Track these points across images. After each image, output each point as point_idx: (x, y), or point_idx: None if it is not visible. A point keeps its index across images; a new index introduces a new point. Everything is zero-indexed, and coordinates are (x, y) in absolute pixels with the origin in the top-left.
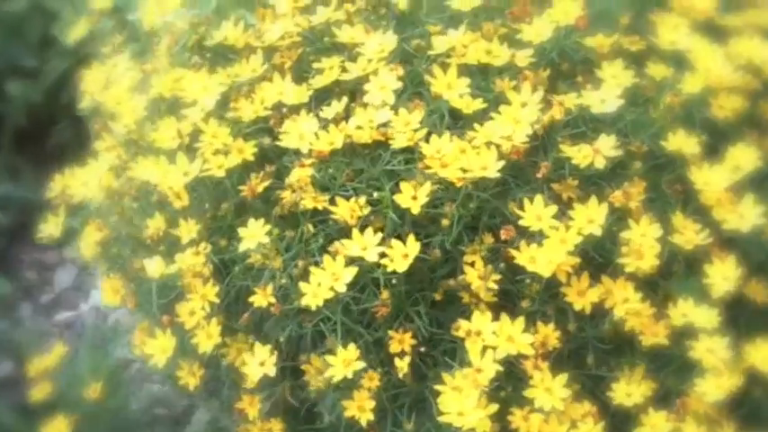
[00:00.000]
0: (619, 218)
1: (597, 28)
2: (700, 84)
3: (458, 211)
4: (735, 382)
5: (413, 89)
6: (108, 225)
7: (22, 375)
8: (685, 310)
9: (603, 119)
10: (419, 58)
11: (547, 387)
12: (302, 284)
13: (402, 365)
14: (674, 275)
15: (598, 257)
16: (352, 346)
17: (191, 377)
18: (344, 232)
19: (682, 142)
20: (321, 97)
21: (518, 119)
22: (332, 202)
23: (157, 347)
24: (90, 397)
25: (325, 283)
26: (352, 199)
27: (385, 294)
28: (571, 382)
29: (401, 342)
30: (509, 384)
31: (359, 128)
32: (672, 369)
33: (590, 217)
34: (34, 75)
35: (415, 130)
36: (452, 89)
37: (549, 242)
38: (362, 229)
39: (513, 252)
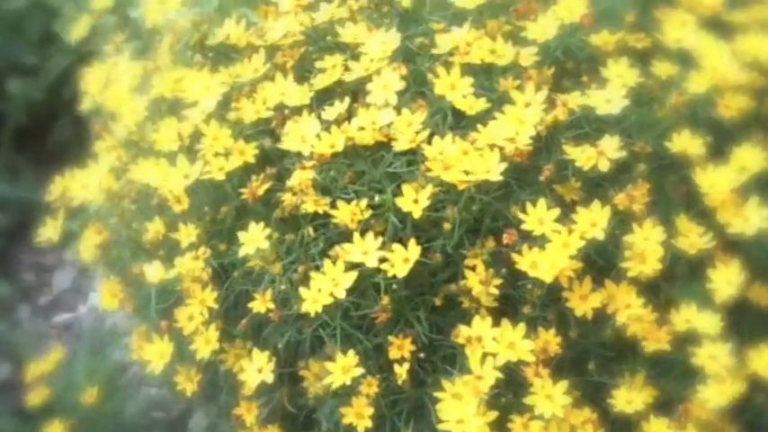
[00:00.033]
0: (621, 220)
1: (602, 25)
2: (706, 83)
3: (459, 215)
4: (737, 389)
5: (416, 88)
6: (107, 228)
7: (19, 378)
8: (688, 316)
9: (607, 119)
10: (422, 56)
11: (547, 394)
12: (302, 290)
13: (401, 372)
14: (677, 279)
15: (600, 261)
16: (351, 353)
17: (188, 383)
18: (345, 236)
19: (686, 143)
20: (323, 97)
21: (522, 119)
22: (333, 205)
23: (155, 353)
24: (87, 402)
25: (325, 288)
26: (353, 202)
27: (385, 300)
28: (572, 389)
29: (400, 348)
30: (509, 391)
31: (361, 129)
32: (674, 375)
33: (593, 220)
34: (35, 72)
35: (418, 132)
36: (455, 89)
37: (552, 246)
38: (363, 233)
39: (515, 257)
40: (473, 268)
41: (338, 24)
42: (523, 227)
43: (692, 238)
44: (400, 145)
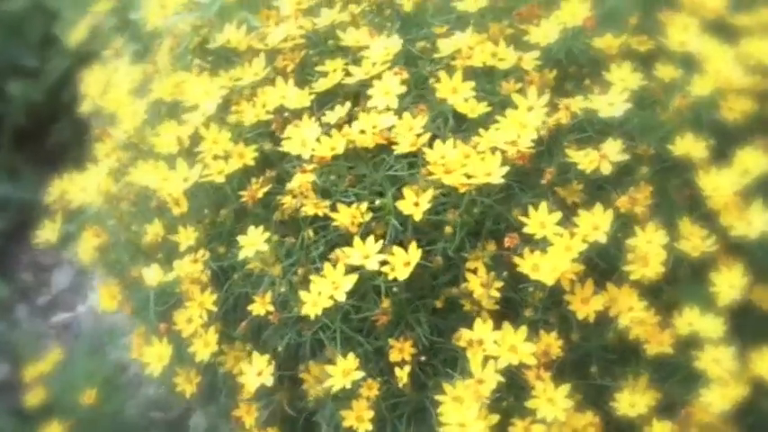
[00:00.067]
0: (624, 223)
1: (605, 29)
2: (709, 86)
3: (461, 218)
4: (740, 393)
5: (417, 92)
6: (106, 230)
7: (18, 378)
8: (691, 319)
9: (610, 122)
10: (424, 60)
11: (549, 397)
12: (302, 293)
13: (402, 375)
14: (680, 282)
15: (602, 264)
16: (351, 356)
17: (187, 384)
18: (346, 238)
19: (689, 146)
20: (324, 101)
21: (524, 123)
22: (333, 208)
23: (154, 355)
24: (86, 402)
25: (325, 291)
26: (354, 205)
27: (386, 303)
28: (574, 392)
29: (401, 351)
30: (510, 394)
31: (362, 132)
32: (677, 379)
33: (595, 224)
34: (35, 74)
35: (419, 135)
36: (457, 93)
37: (554, 249)
38: (364, 237)
39: (517, 260)
40: (474, 271)
41: (339, 28)
42: (525, 230)
43: (695, 241)
44: (401, 148)
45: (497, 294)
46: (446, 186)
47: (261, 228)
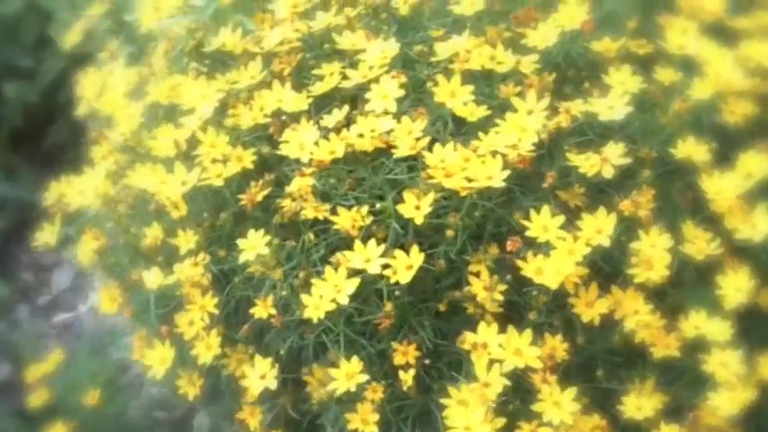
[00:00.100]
0: (627, 226)
1: (603, 32)
2: (709, 89)
3: (462, 221)
4: (748, 396)
5: (415, 95)
6: (105, 233)
7: (20, 379)
8: (697, 323)
9: (611, 125)
10: (421, 63)
11: (555, 401)
12: (304, 297)
13: (406, 378)
14: (685, 285)
15: (606, 267)
16: (355, 359)
17: (190, 387)
18: (347, 242)
19: (691, 149)
20: (321, 104)
21: (524, 127)
22: (333, 211)
23: (156, 358)
24: (88, 403)
25: (327, 295)
26: (354, 208)
27: (388, 306)
28: (580, 396)
29: (405, 354)
30: (516, 398)
31: (360, 136)
32: (684, 382)
33: (598, 227)
34: (30, 75)
35: (418, 139)
36: (456, 97)
37: (557, 253)
38: (365, 240)
39: (520, 263)
40: (477, 274)
41: (335, 32)
42: (528, 234)
43: (700, 245)
44: (401, 152)
45: (501, 297)
46: (447, 190)
47: (261, 231)
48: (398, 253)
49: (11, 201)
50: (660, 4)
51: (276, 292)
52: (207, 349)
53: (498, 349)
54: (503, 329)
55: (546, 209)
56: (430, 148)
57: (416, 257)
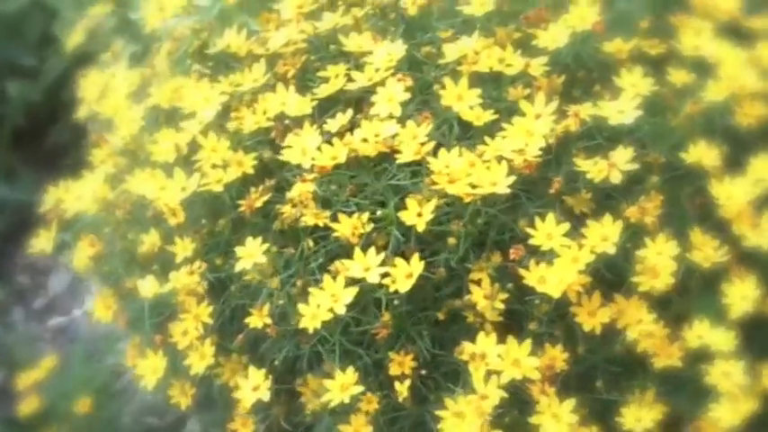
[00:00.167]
0: (634, 232)
1: (615, 32)
2: (723, 91)
3: (465, 228)
4: (751, 407)
5: (421, 97)
6: (101, 239)
7: (13, 385)
8: (701, 332)
9: (620, 129)
10: (429, 65)
11: (554, 412)
12: (301, 306)
13: (402, 389)
14: (690, 293)
15: (610, 276)
16: (350, 370)
17: (182, 396)
18: (346, 249)
19: (702, 153)
20: (325, 107)
21: (531, 131)
22: (334, 218)
23: (148, 368)
24: (81, 411)
25: (324, 304)
26: (355, 215)
27: (386, 316)
28: (579, 407)
29: (401, 365)
30: (514, 409)
31: (364, 141)
32: (685, 392)
33: (604, 234)
34: (33, 74)
35: (423, 144)
36: (463, 100)
37: (560, 261)
38: (365, 248)
39: (523, 272)
40: (478, 282)
41: (342, 33)
42: (531, 241)
43: (707, 252)
44: (405, 157)
45: (501, 306)
46: (450, 196)
47: (259, 239)
48: (398, 261)
49: (9, 202)
50: (673, 4)
51: (273, 301)
52: (200, 359)
53: (497, 360)
54: (502, 339)
55: (551, 216)
56: (435, 153)
57: (416, 266)
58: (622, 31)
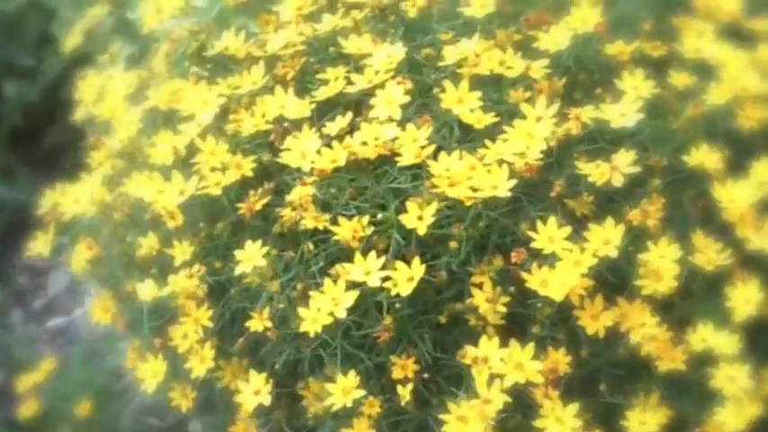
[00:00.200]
0: (636, 235)
1: (617, 34)
2: (725, 94)
3: (466, 232)
4: (756, 411)
5: (421, 100)
6: (99, 242)
7: (13, 386)
8: (705, 335)
9: (622, 132)
10: (429, 67)
11: (557, 417)
12: (301, 310)
13: (404, 393)
14: (694, 296)
15: (613, 279)
16: (352, 374)
17: (183, 399)
18: (347, 253)
19: (704, 156)
20: (324, 109)
21: (532, 134)
22: (334, 221)
23: (148, 372)
24: (81, 414)
25: (325, 308)
26: (355, 218)
27: (387, 320)
28: (582, 411)
29: (404, 368)
30: (517, 413)
31: (364, 144)
32: (689, 396)
33: (606, 238)
34: (31, 74)
35: (423, 147)
36: (463, 103)
37: (563, 264)
38: (366, 251)
39: (525, 275)
40: (480, 286)
41: (341, 35)
42: (533, 245)
43: (710, 255)
44: (405, 160)
45: (503, 309)
46: (451, 199)
47: (258, 242)
48: (399, 265)
49: (7, 203)
50: (675, 5)
51: (273, 304)
52: (200, 362)
53: (499, 364)
54: (505, 342)
55: (552, 219)
56: (435, 156)
57: (418, 269)
58: (624, 33)
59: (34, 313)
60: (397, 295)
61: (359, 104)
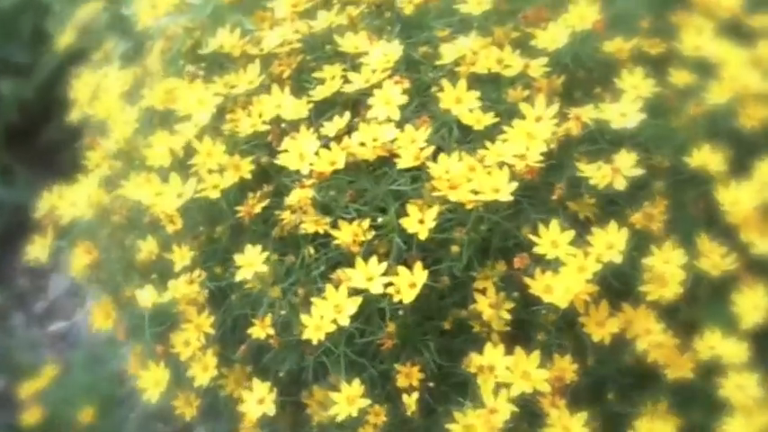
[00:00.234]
0: (640, 238)
1: (615, 32)
2: (726, 93)
3: (468, 236)
4: (766, 421)
5: (420, 99)
6: (98, 246)
7: (15, 391)
8: (712, 343)
9: (622, 132)
10: (426, 65)
11: (565, 425)
12: (303, 317)
13: (410, 402)
14: (700, 302)
15: (617, 284)
16: (356, 382)
17: (187, 407)
18: (348, 256)
19: (706, 157)
20: (322, 109)
21: (532, 134)
22: (334, 225)
23: (150, 380)
24: (84, 421)
25: (328, 315)
26: (356, 222)
27: (391, 327)
28: (590, 420)
29: (408, 376)
30: (524, 422)
31: (362, 144)
32: (698, 404)
33: (609, 242)
34: (26, 71)
35: (422, 149)
36: (462, 103)
37: (567, 270)
38: (367, 255)
39: (528, 281)
40: (483, 291)
41: (337, 32)
42: (536, 250)
43: (715, 259)
44: (404, 162)
45: (508, 316)
46: (452, 202)
47: (258, 247)
48: (401, 270)
49: (5, 203)
50: (673, 2)
51: (275, 310)
52: (203, 370)
53: (505, 372)
54: (510, 348)
55: (555, 224)
56: (434, 157)
57: (420, 275)
58: (622, 31)
59: (35, 316)
60: (400, 302)
61: (356, 103)
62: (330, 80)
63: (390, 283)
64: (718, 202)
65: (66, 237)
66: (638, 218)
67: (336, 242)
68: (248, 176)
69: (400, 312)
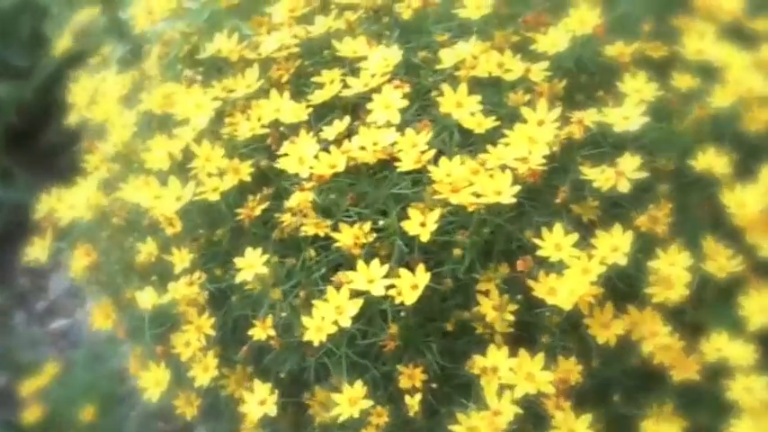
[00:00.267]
0: (645, 240)
1: (617, 36)
2: (730, 96)
3: (470, 238)
4: None
5: (420, 103)
6: (97, 248)
7: (16, 389)
8: (719, 345)
9: (625, 135)
10: (426, 70)
11: (570, 428)
12: (305, 319)
13: (413, 403)
14: (706, 304)
15: (622, 286)
16: (358, 384)
17: (188, 407)
18: (349, 259)
19: (711, 160)
20: (321, 113)
21: (534, 138)
22: (335, 227)
23: (151, 380)
24: (85, 419)
25: (329, 317)
26: (356, 225)
27: (393, 328)
28: (595, 422)
29: (411, 377)
30: (528, 424)
31: (362, 148)
32: (705, 406)
33: (614, 245)
34: (25, 73)
35: (423, 152)
36: (462, 107)
37: (571, 272)
38: (368, 258)
39: (532, 284)
40: (486, 293)
41: (335, 37)
42: (539, 253)
43: (721, 261)
44: (405, 166)
45: (511, 318)
46: (453, 205)
47: (259, 250)
48: (403, 272)
49: (5, 203)
50: (675, 6)
51: (275, 312)
52: (204, 371)
53: (509, 374)
54: (514, 350)
55: (558, 227)
56: (435, 160)
57: (422, 277)
58: (624, 35)
59: (36, 315)
60: (402, 303)
61: (356, 107)
62: (329, 84)
63: (392, 286)
64: (724, 204)
65: (65, 238)
66: (642, 220)
67: (337, 245)
68: (248, 179)
69: (402, 314)
